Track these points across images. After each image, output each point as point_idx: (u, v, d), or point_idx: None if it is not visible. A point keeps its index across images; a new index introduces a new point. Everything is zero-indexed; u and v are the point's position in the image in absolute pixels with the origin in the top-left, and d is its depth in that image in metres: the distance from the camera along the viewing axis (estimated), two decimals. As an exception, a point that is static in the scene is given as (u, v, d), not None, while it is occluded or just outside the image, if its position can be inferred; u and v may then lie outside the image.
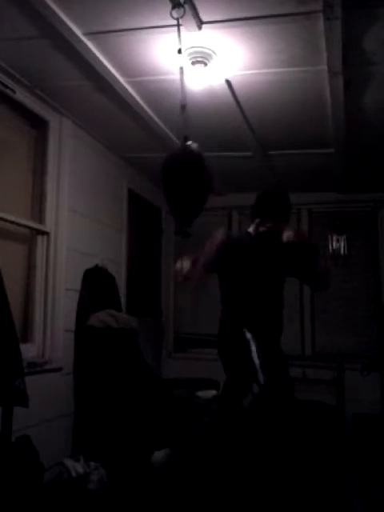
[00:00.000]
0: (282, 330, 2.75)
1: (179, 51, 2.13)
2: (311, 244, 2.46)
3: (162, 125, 3.46)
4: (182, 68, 2.12)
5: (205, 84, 2.80)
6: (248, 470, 2.53)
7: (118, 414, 3.38)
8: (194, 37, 2.34)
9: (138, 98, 3.08)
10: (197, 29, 2.25)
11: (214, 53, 2.50)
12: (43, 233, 3.30)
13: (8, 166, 3.10)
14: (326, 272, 2.74)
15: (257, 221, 2.67)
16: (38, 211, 3.33)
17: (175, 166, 2.16)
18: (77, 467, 3.08)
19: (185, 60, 2.52)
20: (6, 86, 2.90)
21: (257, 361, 2.46)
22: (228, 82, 2.84)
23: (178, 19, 2.10)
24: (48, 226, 3.33)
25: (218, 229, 2.54)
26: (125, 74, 2.81)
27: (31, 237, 3.29)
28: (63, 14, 2.23)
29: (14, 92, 2.97)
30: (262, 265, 2.61)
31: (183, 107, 2.15)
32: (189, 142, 2.15)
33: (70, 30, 2.33)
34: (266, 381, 2.43)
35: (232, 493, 2.54)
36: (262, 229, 2.60)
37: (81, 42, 2.43)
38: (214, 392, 4.62)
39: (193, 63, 2.55)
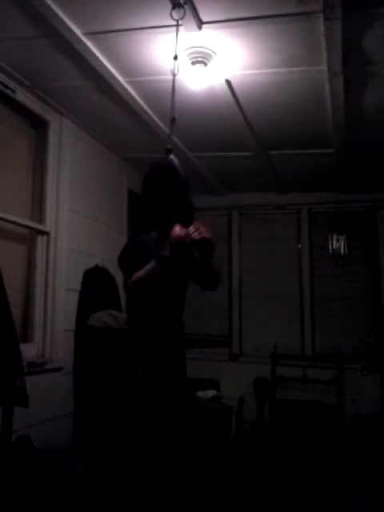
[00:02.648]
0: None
1: (175, 58, 2.14)
2: (212, 243, 2.17)
3: (162, 125, 3.46)
4: (174, 74, 2.11)
5: (205, 84, 2.80)
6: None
7: (117, 414, 3.38)
8: (194, 37, 2.34)
9: (137, 97, 3.08)
10: (197, 29, 2.25)
11: (213, 53, 2.50)
12: (43, 233, 3.30)
13: (8, 165, 3.10)
14: (218, 272, 2.51)
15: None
16: (38, 211, 3.33)
17: (150, 178, 2.22)
18: (77, 467, 3.08)
19: (184, 60, 2.52)
20: (6, 86, 2.90)
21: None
22: (228, 82, 2.84)
23: (177, 20, 2.10)
24: (48, 225, 3.33)
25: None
26: (125, 74, 2.81)
27: (31, 237, 3.29)
28: (63, 14, 2.23)
29: (14, 92, 2.97)
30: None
31: (173, 119, 2.15)
32: (171, 156, 2.16)
33: (70, 30, 2.33)
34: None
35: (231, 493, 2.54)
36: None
37: (81, 41, 2.43)
38: (214, 392, 4.62)
39: (193, 63, 2.55)
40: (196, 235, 2.10)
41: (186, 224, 2.21)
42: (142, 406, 2.30)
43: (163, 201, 2.18)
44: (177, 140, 3.71)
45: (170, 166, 2.22)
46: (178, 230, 2.10)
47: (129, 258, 2.31)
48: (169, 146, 2.20)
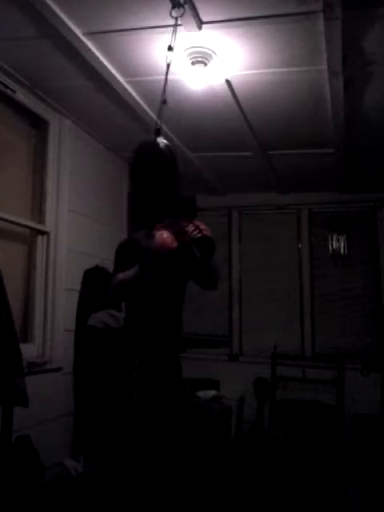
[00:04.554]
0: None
1: (169, 48, 2.13)
2: (213, 241, 2.13)
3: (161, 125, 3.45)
4: (168, 64, 2.12)
5: (205, 84, 2.80)
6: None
7: (118, 414, 3.38)
8: (193, 37, 2.34)
9: (137, 98, 3.08)
10: (197, 29, 2.25)
11: (213, 53, 2.50)
12: (43, 233, 3.30)
13: (8, 165, 3.10)
14: (217, 270, 2.46)
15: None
16: (38, 211, 3.33)
17: (144, 160, 2.11)
18: (77, 467, 3.08)
19: (184, 60, 2.52)
20: (6, 86, 2.90)
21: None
22: (228, 82, 2.84)
23: (177, 19, 2.10)
24: (48, 226, 3.33)
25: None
26: (125, 74, 2.81)
27: (31, 237, 3.29)
28: (63, 14, 2.23)
29: (14, 92, 2.98)
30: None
31: (164, 102, 2.15)
32: (160, 138, 2.12)
33: (70, 30, 2.33)
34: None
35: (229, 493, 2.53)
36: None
37: (81, 42, 2.43)
38: (213, 392, 4.63)
39: (193, 63, 2.55)
40: (196, 233, 2.08)
41: (186, 218, 2.19)
42: (137, 409, 2.29)
43: (150, 192, 2.08)
44: (177, 140, 3.71)
45: (156, 151, 2.10)
46: (160, 237, 2.05)
47: (116, 255, 2.31)
48: (158, 127, 2.16)
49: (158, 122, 2.19)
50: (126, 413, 2.34)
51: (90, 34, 2.41)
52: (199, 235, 2.08)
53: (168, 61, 2.12)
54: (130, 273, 2.11)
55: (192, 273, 2.42)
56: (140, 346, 2.35)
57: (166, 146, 2.13)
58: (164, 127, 3.47)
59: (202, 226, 2.10)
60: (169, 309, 2.40)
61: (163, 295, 2.35)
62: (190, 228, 2.09)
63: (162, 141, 2.13)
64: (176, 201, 2.23)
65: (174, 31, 2.12)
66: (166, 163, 2.09)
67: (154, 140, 2.11)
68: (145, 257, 2.06)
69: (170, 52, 2.14)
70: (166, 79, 2.12)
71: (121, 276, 2.15)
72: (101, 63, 2.64)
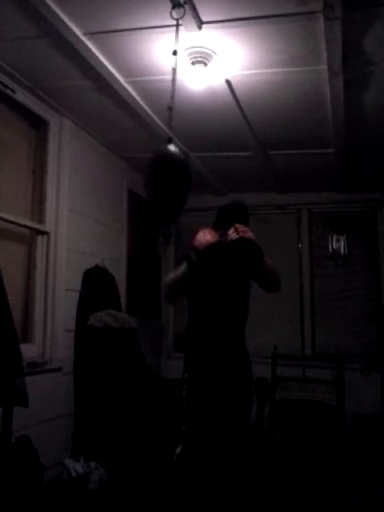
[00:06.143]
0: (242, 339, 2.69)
1: (174, 52, 2.15)
2: (254, 243, 2.35)
3: (161, 125, 3.46)
4: (174, 69, 2.13)
5: (205, 84, 2.80)
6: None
7: (117, 414, 3.38)
8: (194, 37, 2.34)
9: (138, 98, 3.08)
10: (197, 29, 2.25)
11: (213, 53, 2.50)
12: (43, 233, 3.30)
13: (8, 165, 3.10)
14: (273, 273, 2.63)
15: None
16: (38, 211, 3.33)
17: (161, 167, 2.21)
18: (77, 467, 3.08)
19: (184, 60, 2.52)
20: (6, 86, 2.90)
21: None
22: (228, 82, 2.84)
23: (177, 19, 2.10)
24: (48, 226, 3.33)
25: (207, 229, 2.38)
26: (125, 74, 2.81)
27: (31, 237, 3.29)
28: (63, 14, 2.24)
29: (14, 92, 2.97)
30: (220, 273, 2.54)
31: (170, 109, 2.20)
32: (171, 145, 2.18)
33: (70, 29, 2.33)
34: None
35: (230, 494, 2.54)
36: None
37: (81, 42, 2.43)
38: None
39: (193, 63, 2.55)
40: (234, 236, 2.27)
41: (222, 228, 2.38)
42: (185, 410, 2.39)
43: (161, 198, 2.20)
44: (177, 140, 3.70)
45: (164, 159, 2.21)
46: (200, 236, 2.27)
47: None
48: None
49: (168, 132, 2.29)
50: (173, 413, 2.45)
51: (90, 34, 2.41)
52: (237, 237, 2.26)
53: (173, 65, 2.14)
54: (179, 271, 2.35)
55: (250, 275, 2.58)
56: (195, 349, 2.47)
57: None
58: (163, 127, 3.49)
59: (241, 229, 2.27)
60: (228, 314, 2.56)
61: (223, 302, 2.51)
62: (230, 231, 2.29)
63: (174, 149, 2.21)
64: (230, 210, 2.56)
65: (176, 33, 2.13)
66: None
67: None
68: (189, 254, 2.30)
69: (175, 56, 2.16)
70: (173, 83, 2.14)
71: (172, 275, 2.40)
72: (101, 63, 2.64)
